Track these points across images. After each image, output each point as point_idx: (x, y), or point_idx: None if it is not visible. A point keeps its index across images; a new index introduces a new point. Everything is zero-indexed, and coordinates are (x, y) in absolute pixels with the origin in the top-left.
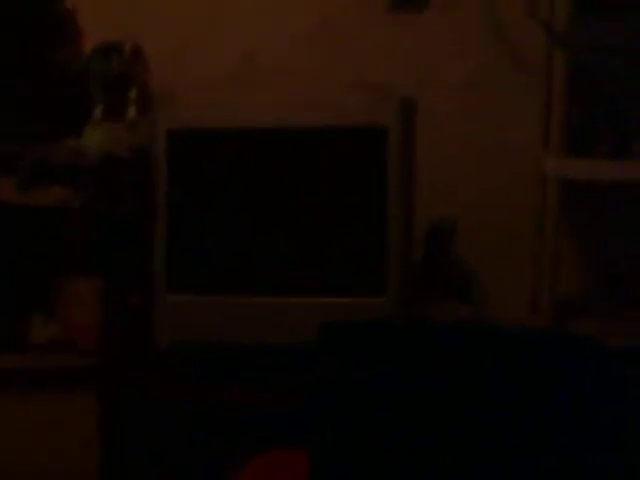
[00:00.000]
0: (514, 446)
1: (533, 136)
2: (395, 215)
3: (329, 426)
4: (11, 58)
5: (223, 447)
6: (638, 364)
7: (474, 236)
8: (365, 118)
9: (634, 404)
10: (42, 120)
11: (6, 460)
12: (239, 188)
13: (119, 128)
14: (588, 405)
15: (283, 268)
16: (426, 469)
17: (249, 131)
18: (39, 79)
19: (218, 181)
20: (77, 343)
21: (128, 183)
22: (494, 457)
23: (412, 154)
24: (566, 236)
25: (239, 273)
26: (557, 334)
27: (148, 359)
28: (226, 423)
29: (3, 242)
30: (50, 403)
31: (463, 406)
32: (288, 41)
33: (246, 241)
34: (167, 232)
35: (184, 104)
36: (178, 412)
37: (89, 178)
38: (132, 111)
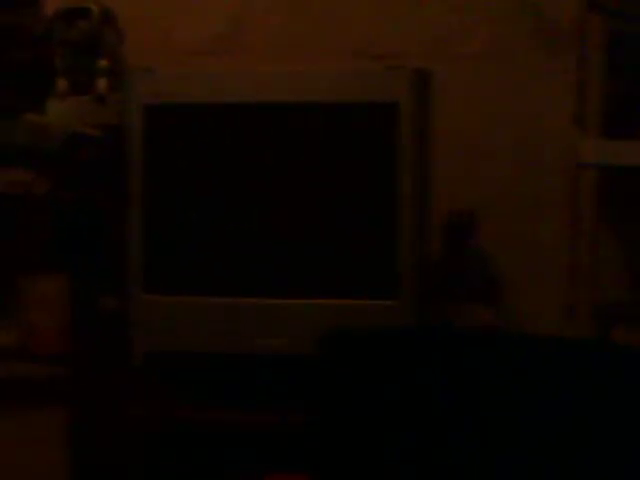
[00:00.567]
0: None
1: (564, 115)
2: (407, 205)
3: (333, 450)
4: None
5: (209, 472)
6: None
7: (499, 229)
8: (372, 92)
9: None
10: None
11: None
12: (226, 173)
13: (87, 102)
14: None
15: (279, 266)
16: None
17: (237, 107)
18: None
19: (202, 164)
20: (41, 350)
21: (98, 166)
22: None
23: (426, 134)
24: (605, 229)
25: (228, 270)
26: (602, 345)
27: (123, 369)
28: (212, 444)
29: None
30: (10, 418)
31: (485, 426)
32: (282, 5)
33: (236, 234)
34: (144, 223)
35: (162, 76)
36: (157, 431)
37: (53, 160)
38: (102, 83)
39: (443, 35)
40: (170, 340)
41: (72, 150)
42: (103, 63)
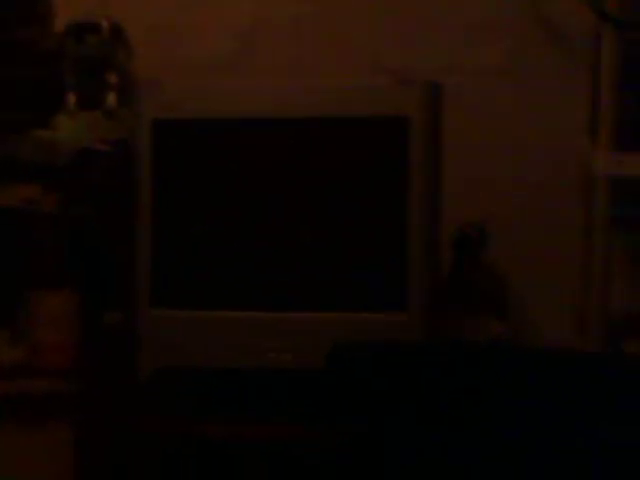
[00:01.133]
0: None
1: (578, 128)
2: (418, 218)
3: (343, 464)
4: None
5: None
6: None
7: (510, 242)
8: (383, 107)
9: None
10: (7, 108)
11: None
12: (235, 188)
13: (96, 118)
14: None
15: (288, 279)
16: None
17: (246, 122)
18: (3, 61)
19: (211, 180)
20: (48, 366)
21: (107, 182)
22: None
23: (438, 149)
24: (618, 242)
25: (236, 284)
26: (616, 359)
27: (130, 385)
28: (221, 461)
29: None
30: (16, 434)
31: (498, 439)
32: (291, 20)
33: (245, 247)
34: (152, 238)
35: (172, 91)
36: (165, 448)
37: (62, 176)
38: (111, 99)
39: (457, 49)
40: (177, 355)
41: (81, 166)
42: (113, 78)
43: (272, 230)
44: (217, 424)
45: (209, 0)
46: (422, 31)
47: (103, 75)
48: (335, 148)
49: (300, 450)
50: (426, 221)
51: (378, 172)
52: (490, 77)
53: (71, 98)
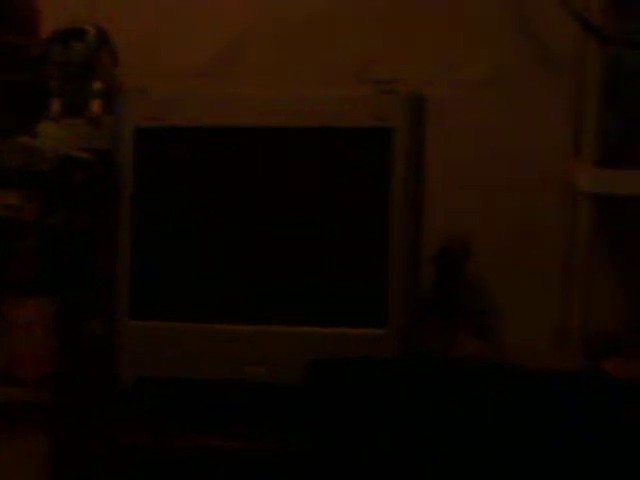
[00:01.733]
0: None
1: (562, 143)
2: (399, 231)
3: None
4: None
5: None
6: None
7: (492, 259)
8: (367, 117)
9: None
10: None
11: None
12: (218, 198)
13: (80, 125)
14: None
15: (267, 292)
16: None
17: (231, 131)
18: None
19: (193, 189)
20: (24, 375)
21: (89, 190)
22: None
23: (421, 161)
24: (600, 259)
25: (216, 297)
26: (595, 379)
27: (109, 396)
28: (198, 471)
29: None
30: None
31: (474, 456)
32: (277, 30)
33: (225, 260)
34: (132, 248)
35: (156, 99)
36: (144, 460)
37: (44, 183)
38: (96, 105)
39: (441, 61)
40: (156, 366)
41: (63, 173)
42: (98, 85)
43: (252, 243)
44: (190, 436)
45: (195, 8)
46: (407, 42)
47: (88, 81)
48: (317, 159)
49: (274, 462)
50: (408, 235)
51: (360, 184)
52: (474, 90)
53: (55, 104)
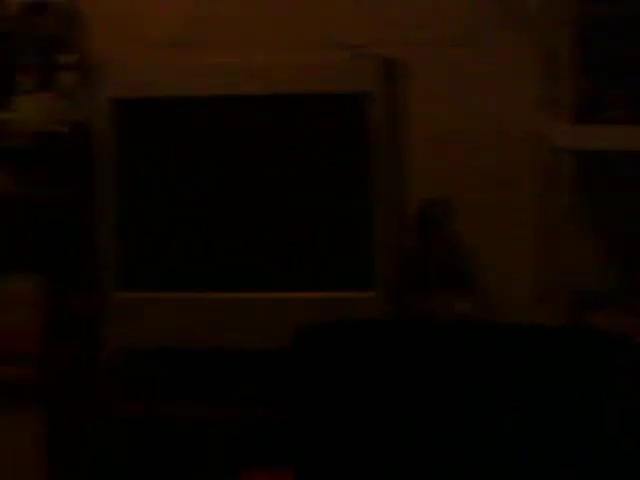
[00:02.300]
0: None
1: (534, 98)
2: (381, 195)
3: (311, 443)
4: None
5: (187, 470)
6: None
7: (473, 217)
8: (341, 83)
9: None
10: None
11: None
12: (199, 166)
13: (52, 98)
14: (623, 417)
15: (253, 259)
16: None
17: (206, 100)
18: None
19: (174, 158)
20: (13, 350)
21: (67, 163)
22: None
23: (398, 124)
24: (580, 215)
25: (201, 265)
26: (580, 331)
27: (97, 368)
28: (190, 442)
29: None
30: None
31: (464, 418)
32: None
33: (209, 228)
34: (115, 219)
35: (131, 70)
36: (133, 430)
37: (21, 159)
38: (68, 78)
39: (410, 22)
40: (143, 336)
41: (39, 147)
42: (68, 58)
43: (236, 211)
44: (180, 405)
45: None
46: (375, 5)
47: (58, 55)
48: (295, 125)
49: (262, 428)
50: (390, 197)
51: (339, 149)
52: (444, 50)
53: (27, 79)
